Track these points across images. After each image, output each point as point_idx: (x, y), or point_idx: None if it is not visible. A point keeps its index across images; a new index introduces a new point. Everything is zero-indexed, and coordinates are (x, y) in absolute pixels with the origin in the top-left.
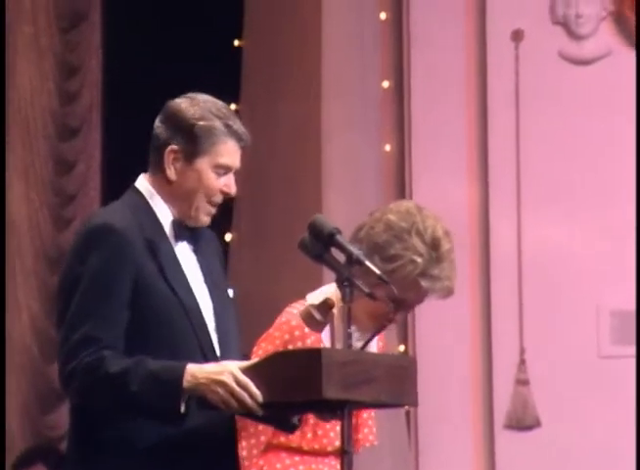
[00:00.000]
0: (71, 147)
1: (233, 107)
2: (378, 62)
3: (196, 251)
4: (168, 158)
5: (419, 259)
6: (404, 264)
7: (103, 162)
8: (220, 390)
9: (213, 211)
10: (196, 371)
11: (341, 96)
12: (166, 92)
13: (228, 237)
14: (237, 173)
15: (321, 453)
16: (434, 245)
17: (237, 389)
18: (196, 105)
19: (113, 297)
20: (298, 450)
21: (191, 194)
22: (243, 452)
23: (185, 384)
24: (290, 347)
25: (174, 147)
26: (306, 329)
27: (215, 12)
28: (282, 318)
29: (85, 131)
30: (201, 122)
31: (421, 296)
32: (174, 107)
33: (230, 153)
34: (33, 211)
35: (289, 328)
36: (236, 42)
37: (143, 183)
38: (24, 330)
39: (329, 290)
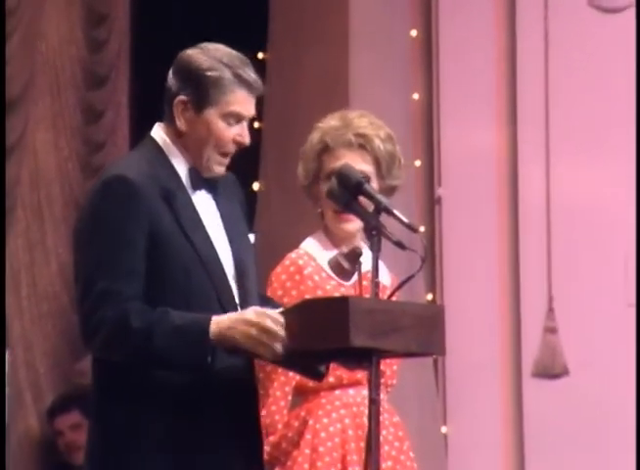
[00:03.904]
0: (99, 95)
1: (260, 56)
2: (406, 10)
3: (215, 198)
4: (177, 108)
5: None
6: None
7: (131, 110)
8: (252, 329)
9: (226, 161)
10: (222, 318)
11: (368, 45)
12: (194, 40)
13: (255, 186)
14: (264, 122)
15: (355, 382)
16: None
17: (269, 323)
18: (206, 55)
19: (129, 248)
20: (339, 384)
21: (201, 145)
22: (276, 392)
23: (211, 335)
24: (288, 284)
25: (183, 98)
26: (300, 261)
27: None
28: (277, 269)
29: (113, 79)
30: (209, 73)
31: None
32: (185, 58)
33: (240, 102)
34: (62, 159)
35: (282, 269)
36: None
37: (158, 132)
38: (53, 278)
39: (315, 238)
